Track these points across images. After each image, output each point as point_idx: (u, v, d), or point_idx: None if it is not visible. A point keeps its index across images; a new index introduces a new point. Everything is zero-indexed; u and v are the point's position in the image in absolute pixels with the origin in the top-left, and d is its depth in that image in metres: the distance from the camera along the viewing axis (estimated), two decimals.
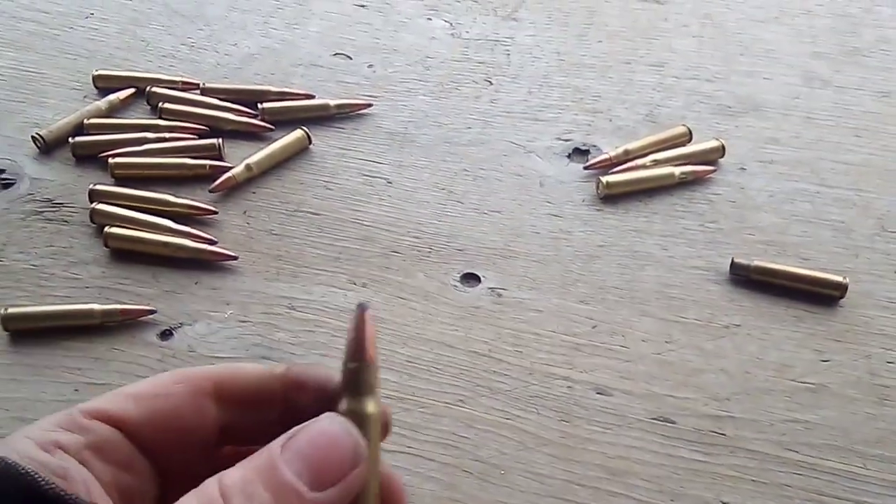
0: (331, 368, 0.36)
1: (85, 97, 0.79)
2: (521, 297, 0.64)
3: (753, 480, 0.54)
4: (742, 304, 0.64)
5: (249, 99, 0.78)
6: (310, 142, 0.75)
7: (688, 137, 0.76)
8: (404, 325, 0.62)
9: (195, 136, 0.75)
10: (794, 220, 0.70)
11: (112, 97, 0.77)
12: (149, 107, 0.78)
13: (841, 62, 0.85)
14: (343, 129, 0.77)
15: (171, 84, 0.79)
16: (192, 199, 0.69)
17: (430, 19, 0.90)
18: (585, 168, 0.73)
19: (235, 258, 0.65)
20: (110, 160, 0.71)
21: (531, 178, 0.73)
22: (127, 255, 0.66)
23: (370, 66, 0.84)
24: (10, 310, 0.60)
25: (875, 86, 0.82)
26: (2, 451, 0.31)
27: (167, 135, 0.74)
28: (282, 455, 0.31)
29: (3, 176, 0.71)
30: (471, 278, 0.65)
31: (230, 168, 0.71)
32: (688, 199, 0.71)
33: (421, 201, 0.70)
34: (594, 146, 0.75)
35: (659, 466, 0.54)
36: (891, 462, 0.55)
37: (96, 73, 0.79)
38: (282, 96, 0.79)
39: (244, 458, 0.31)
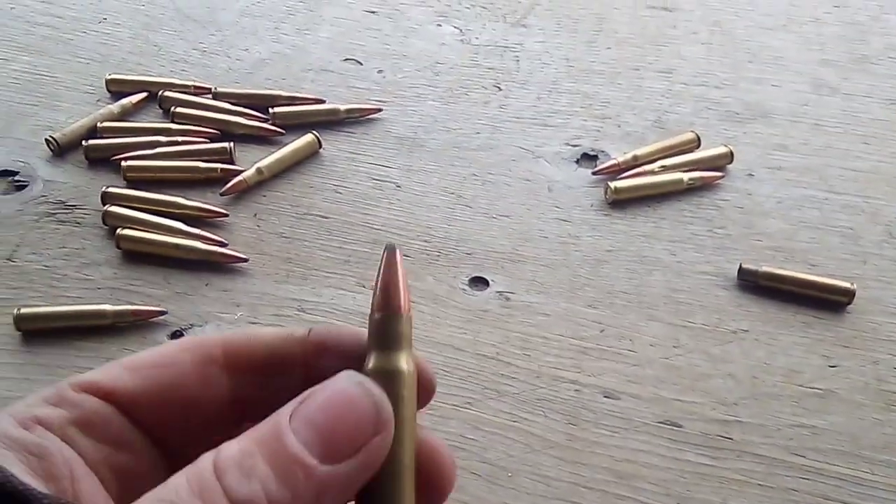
0: (361, 328, 0.32)
1: (98, 101, 0.79)
2: (530, 300, 0.64)
3: (760, 485, 0.54)
4: (750, 309, 0.64)
5: (260, 103, 0.79)
6: (320, 146, 0.75)
7: (696, 143, 0.76)
8: (413, 328, 0.62)
9: (207, 140, 0.75)
10: (802, 226, 0.70)
11: (125, 101, 0.78)
12: (161, 111, 0.79)
13: (849, 70, 0.85)
14: (353, 133, 0.77)
15: (184, 88, 0.80)
16: (204, 202, 0.69)
17: (439, 25, 0.90)
18: (594, 173, 0.74)
19: (246, 260, 0.66)
20: (123, 163, 0.71)
21: (540, 183, 0.73)
22: (138, 256, 0.66)
23: (380, 71, 0.84)
24: (23, 310, 0.61)
25: (883, 93, 0.82)
26: None
27: (179, 138, 0.74)
28: (291, 423, 0.27)
29: (17, 178, 0.72)
30: (479, 282, 0.66)
31: (241, 171, 0.72)
32: (696, 204, 0.71)
33: (430, 205, 0.71)
34: (603, 152, 0.76)
35: (666, 470, 0.55)
36: None
37: (109, 77, 0.80)
38: (292, 101, 0.79)
39: None
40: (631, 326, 0.63)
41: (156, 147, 0.73)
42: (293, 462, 0.26)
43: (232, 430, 0.29)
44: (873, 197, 0.72)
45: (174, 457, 0.31)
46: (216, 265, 0.66)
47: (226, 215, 0.69)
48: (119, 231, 0.66)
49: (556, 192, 0.72)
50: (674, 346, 0.61)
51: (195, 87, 0.80)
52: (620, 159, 0.74)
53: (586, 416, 0.57)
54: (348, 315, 0.63)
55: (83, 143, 0.73)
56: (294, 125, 0.77)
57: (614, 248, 0.68)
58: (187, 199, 0.69)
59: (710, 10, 0.93)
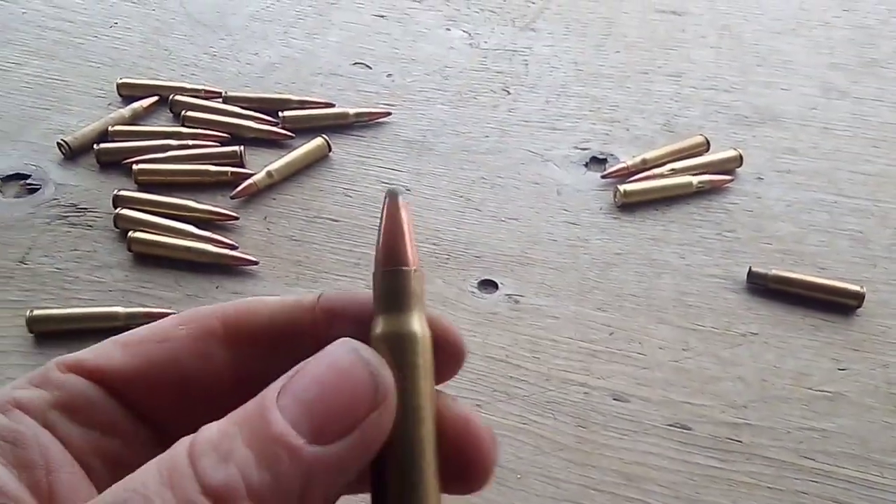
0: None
1: (109, 105, 0.79)
2: (539, 303, 0.64)
3: (770, 487, 0.54)
4: (759, 312, 0.64)
5: (270, 107, 0.79)
6: (329, 149, 0.75)
7: (705, 147, 0.76)
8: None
9: (217, 144, 0.75)
10: (812, 229, 0.70)
11: (136, 105, 0.78)
12: (172, 114, 0.79)
13: (858, 73, 0.85)
14: (362, 137, 0.78)
15: (194, 93, 0.80)
16: (214, 205, 0.69)
17: (448, 29, 0.91)
18: (603, 177, 0.74)
19: (256, 263, 0.66)
20: (134, 166, 0.72)
21: (548, 187, 0.73)
22: (150, 259, 0.66)
23: (389, 75, 0.84)
24: (36, 312, 0.61)
25: (893, 97, 0.82)
26: None
27: (190, 142, 0.75)
28: (278, 399, 0.24)
29: (29, 181, 0.72)
30: (488, 285, 0.66)
31: (251, 175, 0.72)
32: (705, 208, 0.72)
33: (439, 209, 0.71)
34: (611, 155, 0.76)
35: (675, 472, 0.55)
36: None
37: (120, 81, 0.80)
38: (302, 105, 0.80)
39: None
40: (640, 329, 0.63)
41: (166, 151, 0.74)
42: (276, 443, 0.23)
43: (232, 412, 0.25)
44: (883, 200, 0.72)
45: (167, 441, 0.25)
46: (227, 268, 0.66)
47: (236, 218, 0.69)
48: (130, 234, 0.66)
49: (565, 195, 0.72)
50: (683, 349, 0.62)
51: (205, 92, 0.81)
52: (629, 163, 0.74)
53: (595, 419, 0.57)
54: None
55: (94, 146, 0.74)
56: (304, 129, 0.77)
57: (623, 252, 0.68)
58: (198, 202, 0.69)
59: (719, 14, 0.93)
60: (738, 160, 0.74)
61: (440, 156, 0.76)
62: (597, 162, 0.76)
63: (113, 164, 0.74)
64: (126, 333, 0.29)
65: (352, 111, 0.79)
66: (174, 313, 0.61)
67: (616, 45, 0.89)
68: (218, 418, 0.25)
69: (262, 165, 0.73)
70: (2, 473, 0.25)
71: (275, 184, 0.72)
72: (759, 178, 0.74)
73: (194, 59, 0.85)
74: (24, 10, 0.91)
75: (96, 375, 0.28)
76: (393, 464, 0.26)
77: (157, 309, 0.62)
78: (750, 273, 0.65)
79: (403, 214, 0.28)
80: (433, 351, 0.27)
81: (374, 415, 0.24)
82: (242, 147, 0.74)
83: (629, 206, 0.71)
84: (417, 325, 0.27)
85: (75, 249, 0.67)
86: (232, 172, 0.72)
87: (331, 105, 0.80)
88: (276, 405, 0.24)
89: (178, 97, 0.79)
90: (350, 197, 0.72)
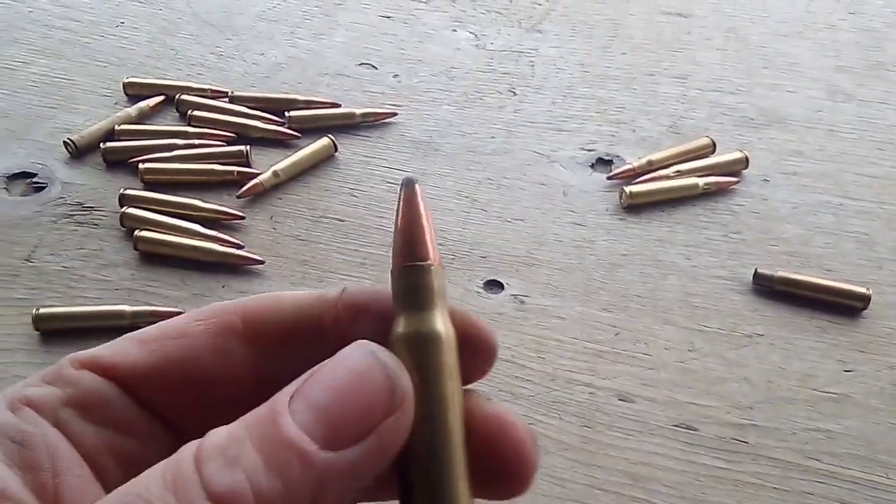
0: None
1: (115, 104, 0.80)
2: (544, 304, 0.64)
3: (775, 488, 0.54)
4: (765, 313, 0.64)
5: (277, 107, 0.79)
6: (336, 149, 0.75)
7: (711, 149, 0.76)
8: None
9: (223, 143, 0.75)
10: (818, 231, 0.70)
11: (142, 104, 0.78)
12: (178, 114, 0.79)
13: (864, 76, 0.85)
14: (368, 137, 0.78)
15: (200, 92, 0.80)
16: (220, 205, 0.70)
17: (455, 30, 0.91)
18: (609, 178, 0.74)
19: (262, 262, 0.66)
20: (140, 165, 0.72)
21: (554, 188, 0.73)
22: (156, 258, 0.66)
23: (395, 76, 0.85)
24: (42, 310, 0.61)
25: None
26: None
27: (196, 141, 0.75)
28: (291, 403, 0.23)
29: (35, 180, 0.72)
30: (494, 285, 0.66)
31: (257, 174, 0.72)
32: (711, 209, 0.72)
33: (445, 209, 0.71)
34: (618, 156, 0.76)
35: (681, 473, 0.55)
36: None
37: (127, 80, 0.80)
38: (308, 105, 0.80)
39: None
40: (646, 330, 0.63)
41: (173, 150, 0.74)
42: (287, 448, 0.22)
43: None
44: (888, 203, 0.72)
45: (185, 440, 0.24)
46: (233, 267, 0.66)
47: (242, 218, 0.69)
48: (137, 233, 0.66)
49: (571, 196, 0.72)
50: (689, 350, 0.61)
51: (212, 91, 0.81)
52: (635, 164, 0.74)
53: (601, 419, 0.57)
54: None
55: (101, 145, 0.74)
56: (310, 129, 0.77)
57: (629, 253, 0.68)
58: (204, 201, 0.70)
59: (724, 17, 0.93)
60: (744, 162, 0.74)
61: (446, 156, 0.76)
62: (603, 163, 0.76)
63: (119, 162, 0.74)
64: (142, 330, 0.29)
65: (358, 111, 0.79)
66: (180, 312, 0.61)
67: (622, 46, 0.89)
68: (236, 418, 0.24)
69: (269, 165, 0.73)
70: (7, 476, 0.24)
71: (281, 183, 0.72)
72: (765, 179, 0.74)
73: (201, 58, 0.86)
74: (30, 9, 0.91)
75: (111, 372, 0.27)
76: (418, 470, 0.25)
77: (164, 307, 0.62)
78: (756, 275, 0.65)
79: (421, 205, 0.27)
80: (460, 349, 0.26)
81: (391, 419, 0.24)
82: (249, 147, 0.74)
83: (635, 207, 0.71)
84: (440, 323, 0.26)
85: (81, 248, 0.67)
86: (238, 172, 0.72)
87: (337, 105, 0.80)
88: (288, 409, 0.23)
89: (185, 97, 0.79)
90: (356, 197, 0.72)
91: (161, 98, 0.79)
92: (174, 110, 0.79)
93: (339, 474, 0.23)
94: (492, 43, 0.89)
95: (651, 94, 0.83)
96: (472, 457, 0.26)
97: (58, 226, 0.68)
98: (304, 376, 0.24)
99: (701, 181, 0.72)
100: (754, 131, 0.79)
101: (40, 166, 0.73)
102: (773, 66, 0.86)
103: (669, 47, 0.89)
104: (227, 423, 0.24)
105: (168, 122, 0.79)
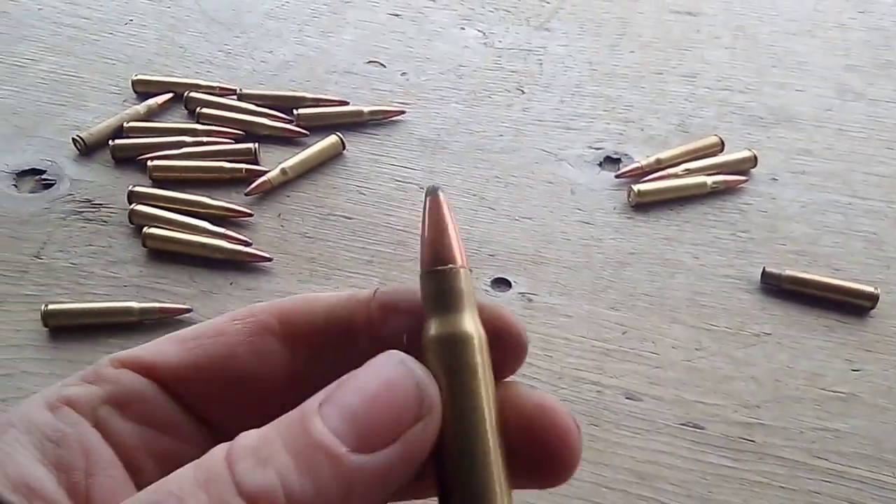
0: None
1: (124, 101, 0.80)
2: (552, 302, 0.64)
3: (782, 487, 0.54)
4: (773, 312, 0.64)
5: (285, 105, 0.79)
6: (343, 147, 0.76)
7: (720, 147, 0.76)
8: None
9: (232, 141, 0.76)
10: (826, 230, 0.70)
11: (151, 101, 0.79)
12: (186, 111, 0.79)
13: (874, 75, 0.85)
14: (376, 135, 0.78)
15: (209, 90, 0.80)
16: (228, 202, 0.70)
17: (463, 29, 0.91)
18: (617, 176, 0.74)
19: (270, 260, 0.66)
20: (149, 163, 0.72)
21: (562, 186, 0.73)
22: (164, 255, 0.67)
23: (403, 73, 0.85)
24: (51, 306, 0.61)
25: None
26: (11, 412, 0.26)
27: (204, 139, 0.75)
28: (321, 409, 0.24)
29: (44, 177, 0.72)
30: (502, 283, 0.66)
31: (266, 172, 0.72)
32: (719, 208, 0.71)
33: (453, 207, 0.71)
34: (626, 155, 0.76)
35: (687, 471, 0.55)
36: None
37: (135, 77, 0.81)
38: (316, 103, 0.80)
39: None
40: (653, 329, 0.63)
41: (181, 147, 0.74)
42: (318, 449, 0.23)
43: (289, 411, 0.25)
44: None
45: (222, 439, 0.25)
46: (241, 264, 0.66)
47: (250, 215, 0.69)
48: (145, 230, 0.67)
49: (579, 194, 0.72)
50: (696, 349, 0.61)
51: (220, 89, 0.81)
52: (644, 162, 0.74)
53: (608, 417, 0.57)
54: None
55: (110, 142, 0.74)
56: (318, 126, 0.77)
57: (637, 251, 0.68)
58: (212, 198, 0.70)
59: (733, 15, 0.93)
60: (753, 161, 0.74)
61: (454, 154, 0.76)
62: (611, 161, 0.76)
63: (128, 160, 0.74)
64: (181, 330, 0.29)
65: (366, 109, 0.79)
66: (188, 309, 0.62)
67: (630, 45, 0.89)
68: (270, 416, 0.24)
69: (277, 163, 0.73)
70: (42, 475, 0.25)
71: (289, 181, 0.73)
72: (774, 178, 0.74)
73: (209, 56, 0.86)
74: (39, 7, 0.91)
75: (150, 371, 0.28)
76: (451, 469, 0.26)
77: (172, 304, 0.63)
78: (764, 273, 0.65)
79: (446, 211, 0.28)
80: (491, 345, 0.27)
81: (419, 426, 0.24)
82: (257, 144, 0.74)
83: (643, 205, 0.71)
84: (470, 324, 0.26)
85: (90, 245, 0.67)
86: (246, 169, 0.72)
87: (345, 103, 0.80)
88: (318, 413, 0.23)
89: (193, 94, 0.79)
90: (364, 195, 0.72)
91: (169, 95, 0.80)
92: (183, 108, 0.79)
93: (367, 477, 0.23)
94: (500, 41, 0.89)
95: (659, 92, 0.83)
96: (514, 447, 0.27)
97: (66, 222, 0.69)
98: (334, 384, 0.24)
99: (709, 180, 0.72)
100: (763, 130, 0.79)
101: (49, 163, 0.73)
102: (782, 65, 0.86)
103: (678, 46, 0.89)
104: (262, 421, 0.24)
105: (176, 120, 0.79)
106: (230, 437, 0.24)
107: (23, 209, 0.70)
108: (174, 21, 0.90)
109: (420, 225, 0.28)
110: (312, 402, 0.24)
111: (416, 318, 0.28)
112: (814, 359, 0.61)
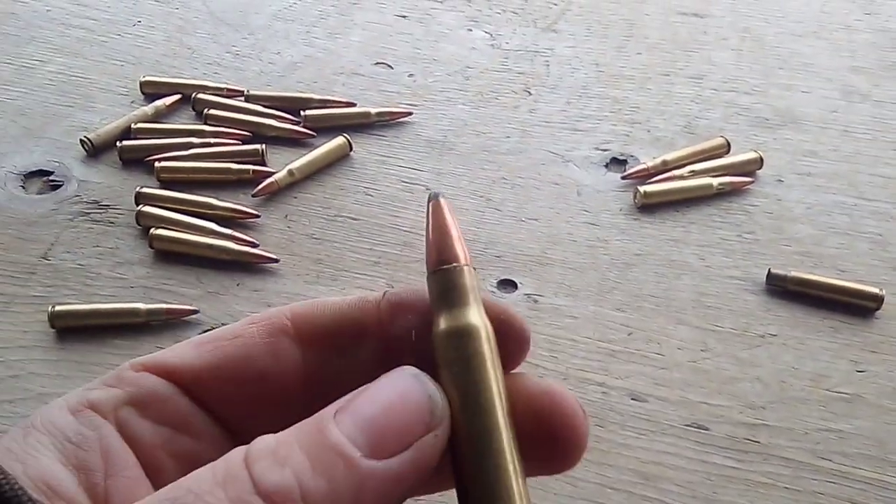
0: None
1: (132, 102, 0.80)
2: (558, 303, 0.64)
3: (787, 488, 0.54)
4: (778, 314, 0.64)
5: (292, 106, 0.80)
6: (351, 149, 0.76)
7: (726, 149, 0.76)
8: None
9: (239, 142, 0.76)
10: (832, 232, 0.70)
11: (158, 103, 0.79)
12: (194, 113, 0.79)
13: (880, 77, 0.85)
14: (383, 136, 0.78)
15: (217, 91, 0.81)
16: (236, 203, 0.70)
17: (470, 30, 0.91)
18: (623, 178, 0.74)
19: (277, 261, 0.66)
20: (156, 164, 0.72)
21: (569, 187, 0.73)
22: (171, 256, 0.67)
23: (411, 75, 0.85)
24: (58, 307, 0.62)
25: None
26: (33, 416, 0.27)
27: (212, 140, 0.75)
28: (336, 416, 0.25)
29: (52, 178, 0.73)
30: (508, 284, 0.66)
31: (273, 173, 0.72)
32: (725, 209, 0.72)
33: (459, 208, 0.71)
34: (632, 156, 0.76)
35: (692, 472, 0.55)
36: None
37: (143, 79, 0.81)
38: (324, 104, 0.80)
39: None
40: (659, 330, 0.63)
41: (189, 148, 0.74)
42: (333, 452, 0.24)
43: (303, 413, 0.26)
44: None
45: (239, 439, 0.26)
46: (247, 265, 0.67)
47: (257, 216, 0.70)
48: (152, 231, 0.67)
49: (585, 195, 0.73)
50: (702, 350, 0.62)
51: (228, 90, 0.81)
52: (650, 164, 0.74)
53: (613, 418, 0.58)
54: None
55: (117, 143, 0.74)
56: (325, 128, 0.78)
57: (643, 252, 0.68)
58: (219, 199, 0.70)
59: (740, 17, 0.93)
60: (759, 162, 0.74)
61: (461, 156, 0.76)
62: (617, 163, 0.76)
63: (135, 161, 0.74)
64: (202, 335, 0.30)
65: (373, 111, 0.79)
66: (195, 310, 0.62)
67: (637, 46, 0.89)
68: (287, 415, 0.26)
69: (284, 164, 0.73)
70: (63, 475, 0.26)
71: (296, 182, 0.73)
72: (780, 180, 0.74)
73: (217, 57, 0.86)
74: (48, 8, 0.91)
75: (170, 373, 0.29)
76: (469, 458, 0.27)
77: (179, 305, 0.63)
78: (769, 275, 0.65)
79: (447, 214, 0.29)
80: (497, 340, 0.28)
81: (430, 436, 0.25)
82: (264, 145, 0.74)
83: (649, 207, 0.71)
84: (477, 317, 0.27)
85: (97, 246, 0.68)
86: (253, 171, 0.73)
87: (352, 104, 0.80)
88: (334, 420, 0.25)
89: (201, 95, 0.79)
90: (371, 196, 0.72)
91: (177, 97, 0.80)
92: (190, 109, 0.80)
93: (379, 481, 0.24)
94: (507, 42, 0.89)
95: (666, 94, 0.83)
96: (524, 433, 0.27)
97: (74, 224, 0.69)
98: (349, 395, 0.26)
99: (715, 181, 0.72)
100: (769, 131, 0.79)
101: (57, 164, 0.74)
102: (789, 67, 0.86)
103: (685, 47, 0.89)
104: (278, 420, 0.26)
105: (184, 121, 0.79)
106: (248, 439, 0.25)
107: (30, 210, 0.70)
108: (182, 22, 0.90)
109: (424, 230, 0.29)
110: (329, 410, 0.25)
111: (424, 318, 0.29)
112: (819, 360, 0.61)
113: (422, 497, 0.31)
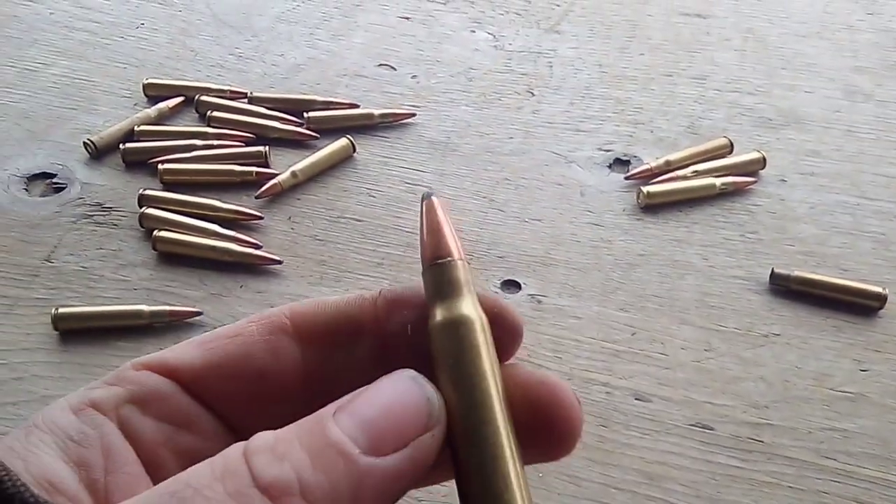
0: None
1: (135, 105, 0.80)
2: (561, 303, 0.64)
3: (790, 487, 0.54)
4: (782, 313, 0.64)
5: (295, 108, 0.80)
6: (354, 150, 0.76)
7: (729, 149, 0.76)
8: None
9: (242, 144, 0.76)
10: (835, 231, 0.70)
11: (161, 105, 0.79)
12: (197, 115, 0.80)
13: (883, 76, 0.85)
14: (386, 138, 0.78)
15: (220, 93, 0.81)
16: (239, 205, 0.70)
17: (473, 31, 0.91)
18: (626, 178, 0.74)
19: (280, 262, 0.66)
20: (159, 166, 0.72)
21: (572, 188, 0.73)
22: (174, 258, 0.67)
23: (414, 76, 0.85)
24: (61, 310, 0.62)
25: None
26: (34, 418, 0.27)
27: (215, 142, 0.75)
28: (335, 415, 0.25)
29: (55, 180, 0.73)
30: (511, 285, 0.66)
31: (276, 175, 0.72)
32: (728, 209, 0.71)
33: (462, 209, 0.71)
34: (635, 157, 0.76)
35: (696, 472, 0.55)
36: None
37: (146, 81, 0.81)
38: (327, 106, 0.80)
39: None
40: (662, 330, 0.63)
41: (192, 150, 0.74)
42: (332, 449, 0.24)
43: (302, 409, 0.26)
44: None
45: (240, 436, 0.26)
46: (251, 267, 0.67)
47: (260, 218, 0.70)
48: (155, 233, 0.67)
49: (589, 196, 0.73)
50: (705, 350, 0.62)
51: (231, 92, 0.81)
52: (653, 164, 0.74)
53: (617, 418, 0.58)
54: None
55: (120, 146, 0.74)
56: (328, 129, 0.78)
57: (646, 253, 0.68)
58: (223, 201, 0.70)
59: (743, 17, 0.93)
60: (762, 162, 0.74)
61: (464, 157, 0.76)
62: (620, 163, 0.76)
63: (139, 163, 0.74)
64: (203, 334, 0.31)
65: (376, 112, 0.79)
66: (199, 312, 0.62)
67: (640, 47, 0.89)
68: (287, 412, 0.26)
69: (287, 165, 0.73)
70: (65, 473, 0.26)
71: (299, 184, 0.73)
72: (783, 180, 0.74)
73: (220, 59, 0.86)
74: (51, 11, 0.91)
75: (171, 372, 0.29)
76: (466, 446, 0.27)
77: (182, 307, 0.63)
78: (772, 274, 0.65)
79: (440, 212, 0.29)
80: (492, 331, 0.28)
81: (427, 436, 0.26)
82: (267, 147, 0.75)
83: (652, 207, 0.71)
84: (471, 308, 0.28)
85: (101, 248, 0.68)
86: (257, 172, 0.73)
87: (355, 106, 0.80)
88: (334, 418, 0.25)
89: (204, 97, 0.79)
90: (374, 197, 0.72)
91: (180, 99, 0.80)
92: (193, 111, 0.80)
93: (377, 478, 0.25)
94: (510, 44, 0.89)
95: (669, 94, 0.83)
96: (522, 422, 0.28)
97: (77, 226, 0.69)
98: (349, 395, 0.26)
99: (718, 181, 0.72)
100: (772, 131, 0.79)
101: (60, 167, 0.74)
102: (791, 67, 0.86)
103: (687, 48, 0.89)
104: (277, 417, 0.26)
105: (187, 123, 0.79)
106: (248, 436, 0.25)
107: (34, 213, 0.70)
108: (185, 25, 0.91)
109: (418, 228, 0.29)
110: (328, 409, 0.25)
111: (419, 312, 0.29)
112: (822, 359, 0.61)
113: (424, 498, 0.31)
